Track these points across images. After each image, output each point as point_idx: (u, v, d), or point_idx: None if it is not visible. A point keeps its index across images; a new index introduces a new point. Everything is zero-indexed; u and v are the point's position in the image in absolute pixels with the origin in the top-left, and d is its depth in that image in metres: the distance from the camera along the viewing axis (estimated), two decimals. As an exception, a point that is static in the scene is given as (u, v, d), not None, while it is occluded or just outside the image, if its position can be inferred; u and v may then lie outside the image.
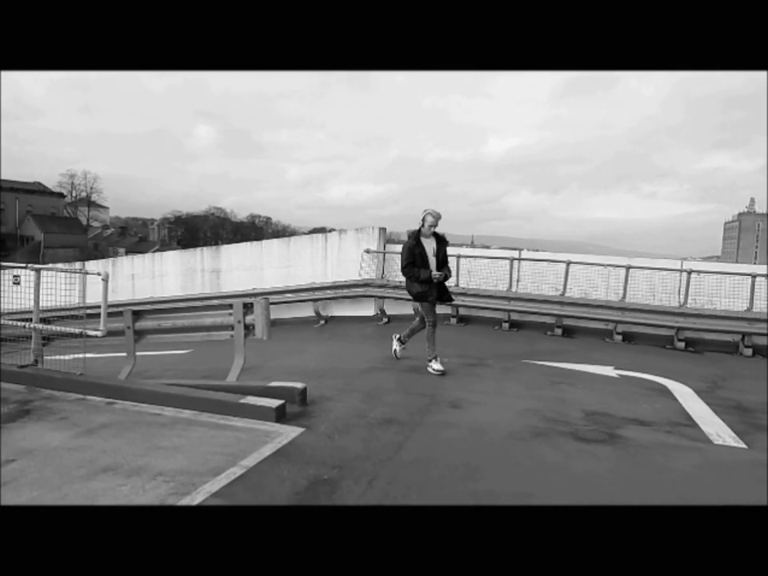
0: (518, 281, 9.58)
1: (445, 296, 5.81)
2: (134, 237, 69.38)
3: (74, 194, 65.71)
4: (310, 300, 10.29)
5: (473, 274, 9.75)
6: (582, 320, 8.92)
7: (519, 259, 9.71)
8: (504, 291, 9.33)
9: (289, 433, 3.69)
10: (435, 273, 5.55)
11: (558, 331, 8.92)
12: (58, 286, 5.16)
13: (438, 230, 5.76)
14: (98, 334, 4.58)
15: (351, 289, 10.12)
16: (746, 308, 8.37)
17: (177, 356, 7.89)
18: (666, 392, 5.38)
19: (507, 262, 9.47)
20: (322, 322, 10.29)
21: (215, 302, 10.44)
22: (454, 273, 9.65)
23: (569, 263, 9.20)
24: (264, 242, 11.45)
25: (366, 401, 4.59)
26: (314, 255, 10.79)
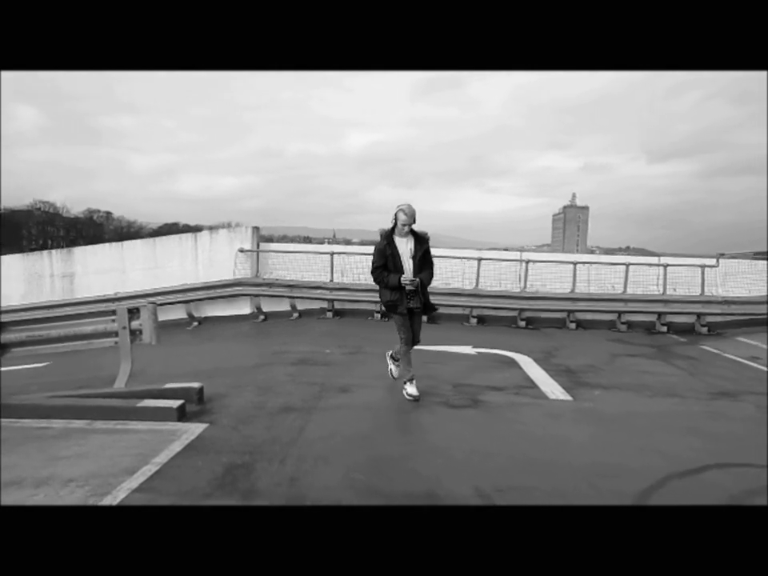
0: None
1: (427, 307, 4.87)
2: (-69, 236, 58.12)
3: None
4: (181, 302, 10.02)
5: (345, 272, 10.33)
6: (443, 307, 10.01)
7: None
8: (373, 285, 10.03)
9: (194, 429, 3.86)
10: (405, 278, 4.62)
11: (424, 318, 9.92)
12: None
13: (416, 227, 4.79)
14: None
15: (225, 288, 10.07)
16: (570, 290, 10.16)
17: (32, 370, 7.25)
18: (513, 363, 6.48)
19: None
20: (196, 323, 10.09)
21: (69, 309, 9.67)
22: (347, 271, 10.08)
23: (430, 257, 10.24)
24: (125, 242, 10.76)
25: (260, 394, 4.87)
26: (184, 255, 10.47)
